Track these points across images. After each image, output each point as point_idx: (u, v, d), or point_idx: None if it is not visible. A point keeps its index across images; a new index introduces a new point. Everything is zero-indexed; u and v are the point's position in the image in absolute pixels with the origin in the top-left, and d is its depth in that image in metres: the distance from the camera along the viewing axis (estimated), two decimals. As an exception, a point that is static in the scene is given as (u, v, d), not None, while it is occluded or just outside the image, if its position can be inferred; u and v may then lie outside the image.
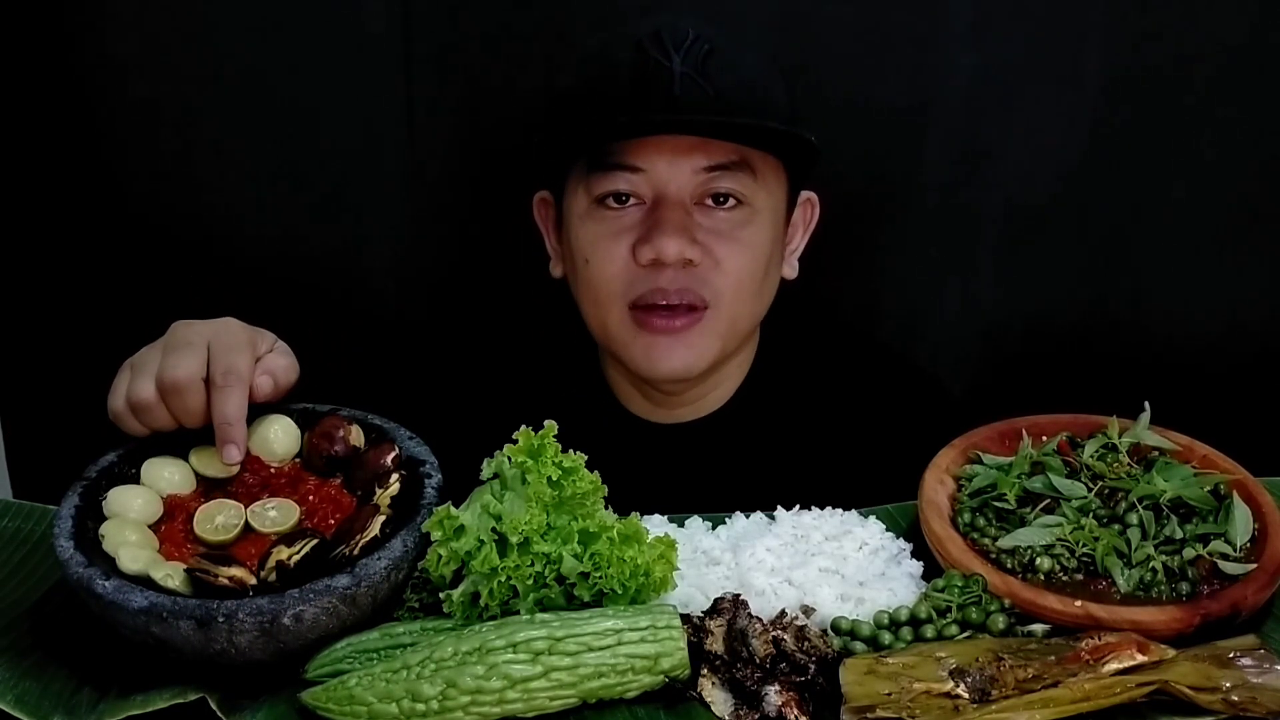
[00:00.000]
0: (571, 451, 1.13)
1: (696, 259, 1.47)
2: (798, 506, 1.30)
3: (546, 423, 1.14)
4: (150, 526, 1.16)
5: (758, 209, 1.50)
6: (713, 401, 1.65)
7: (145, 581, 1.07)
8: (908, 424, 1.61)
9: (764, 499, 1.33)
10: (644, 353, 1.52)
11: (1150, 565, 1.17)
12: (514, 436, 1.13)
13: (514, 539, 1.09)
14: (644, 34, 1.45)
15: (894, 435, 1.58)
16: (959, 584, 1.17)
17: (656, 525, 1.26)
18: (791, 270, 1.62)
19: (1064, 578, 1.19)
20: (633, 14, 1.84)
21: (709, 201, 1.49)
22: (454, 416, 1.57)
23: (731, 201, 1.49)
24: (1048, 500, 1.25)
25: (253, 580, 1.08)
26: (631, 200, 1.49)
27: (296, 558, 1.09)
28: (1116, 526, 1.21)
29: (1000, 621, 1.14)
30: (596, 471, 1.14)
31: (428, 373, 1.79)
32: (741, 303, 1.52)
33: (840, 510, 1.29)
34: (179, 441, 1.22)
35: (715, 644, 1.10)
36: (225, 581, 1.07)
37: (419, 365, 1.74)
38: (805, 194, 1.62)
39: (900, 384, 1.70)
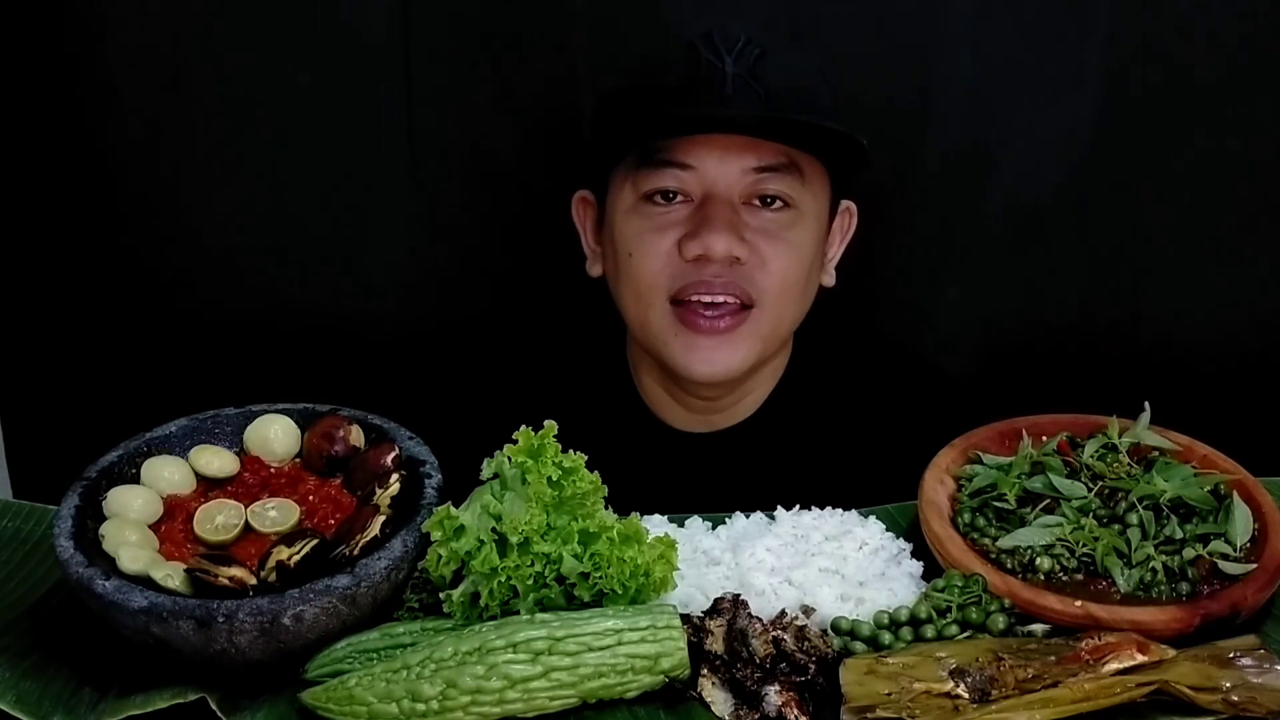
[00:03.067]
0: (572, 451, 1.13)
1: (744, 257, 1.47)
2: (798, 506, 1.30)
3: (546, 423, 1.13)
4: (150, 526, 1.16)
5: (804, 212, 1.51)
6: (746, 407, 1.64)
7: (145, 581, 1.07)
8: (938, 433, 1.60)
9: (797, 504, 1.31)
10: (683, 352, 1.50)
11: (1150, 565, 1.17)
12: (514, 436, 1.13)
13: (514, 539, 1.09)
14: (696, 36, 1.45)
15: (924, 442, 1.57)
16: (959, 584, 1.17)
17: (657, 525, 1.26)
18: (829, 279, 1.62)
19: (1064, 578, 1.19)
20: (634, 13, 1.85)
21: (756, 202, 1.49)
22: (477, 426, 1.55)
23: (779, 203, 1.49)
24: (1048, 500, 1.25)
25: (253, 580, 1.08)
26: (679, 198, 1.49)
27: (296, 558, 1.09)
28: (1116, 526, 1.21)
29: (1000, 621, 1.14)
30: (597, 472, 1.13)
31: (446, 381, 1.77)
32: (786, 304, 1.52)
33: (840, 510, 1.29)
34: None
35: (715, 644, 1.10)
36: (225, 581, 1.07)
37: (435, 373, 1.71)
38: (845, 203, 1.62)
39: (931, 393, 1.68)
